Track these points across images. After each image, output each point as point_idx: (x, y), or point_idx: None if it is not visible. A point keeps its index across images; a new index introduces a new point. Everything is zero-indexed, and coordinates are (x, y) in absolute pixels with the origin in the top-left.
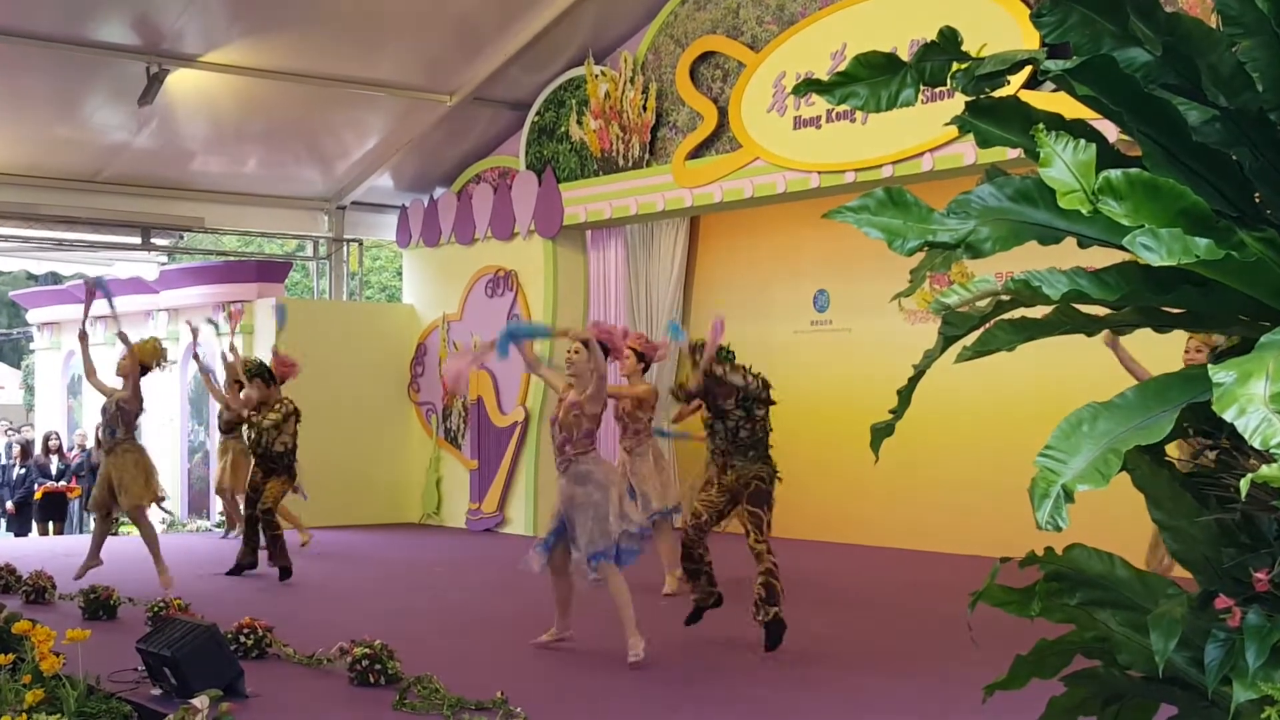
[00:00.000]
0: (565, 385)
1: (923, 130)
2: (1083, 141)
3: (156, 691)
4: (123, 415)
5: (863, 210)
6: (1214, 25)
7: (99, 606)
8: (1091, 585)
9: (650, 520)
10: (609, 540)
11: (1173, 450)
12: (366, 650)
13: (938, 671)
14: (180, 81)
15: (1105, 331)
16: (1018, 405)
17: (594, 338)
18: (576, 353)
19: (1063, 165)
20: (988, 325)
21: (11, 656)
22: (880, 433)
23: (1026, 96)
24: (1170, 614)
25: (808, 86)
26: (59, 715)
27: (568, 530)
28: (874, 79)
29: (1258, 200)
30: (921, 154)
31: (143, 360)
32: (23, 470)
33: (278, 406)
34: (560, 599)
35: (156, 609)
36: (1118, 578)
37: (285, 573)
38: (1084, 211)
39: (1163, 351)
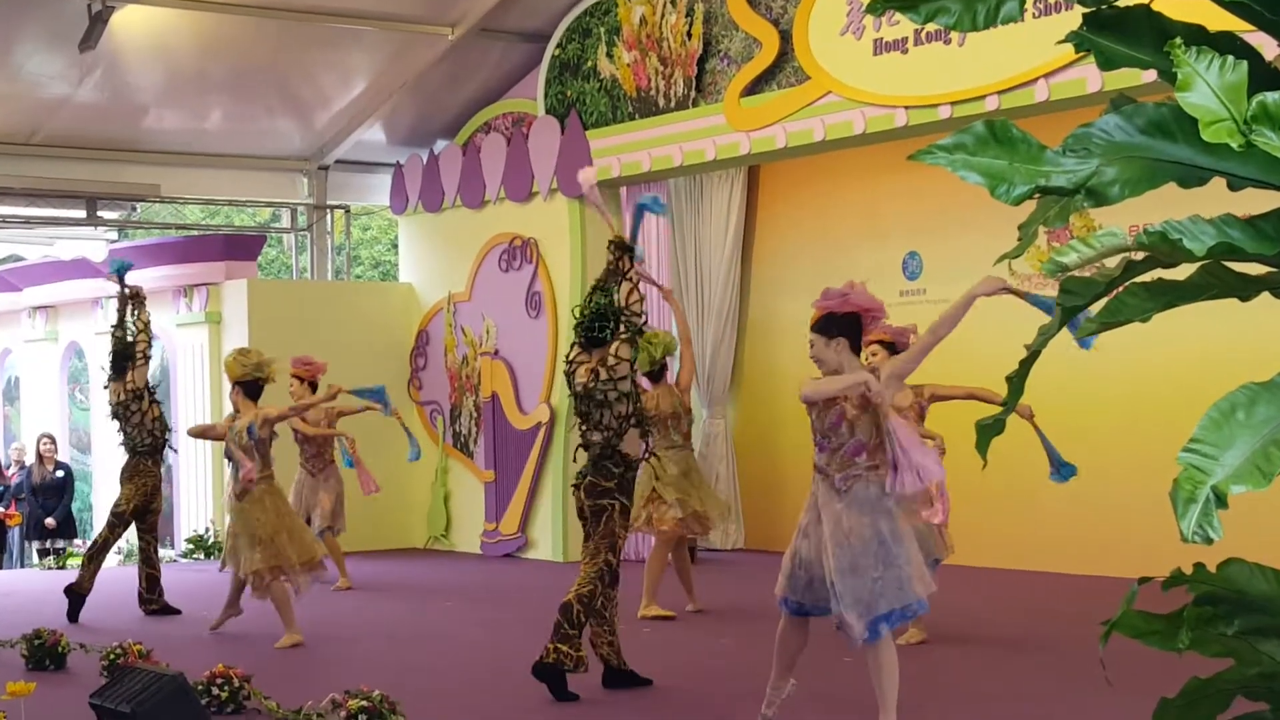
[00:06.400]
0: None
1: (1035, 52)
2: (1231, 59)
3: None
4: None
5: (958, 149)
6: None
7: (45, 654)
8: (1254, 610)
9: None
10: (901, 595)
11: None
12: (364, 703)
13: (1063, 718)
14: (128, 20)
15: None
16: (1155, 390)
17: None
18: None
19: (1207, 89)
20: (1116, 291)
21: None
22: (988, 430)
23: (1163, 5)
24: None
25: (886, 3)
26: None
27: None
28: None
29: None
30: (1034, 81)
31: (233, 379)
32: None
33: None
34: (787, 653)
35: (113, 656)
36: None
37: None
38: (1234, 145)
39: None
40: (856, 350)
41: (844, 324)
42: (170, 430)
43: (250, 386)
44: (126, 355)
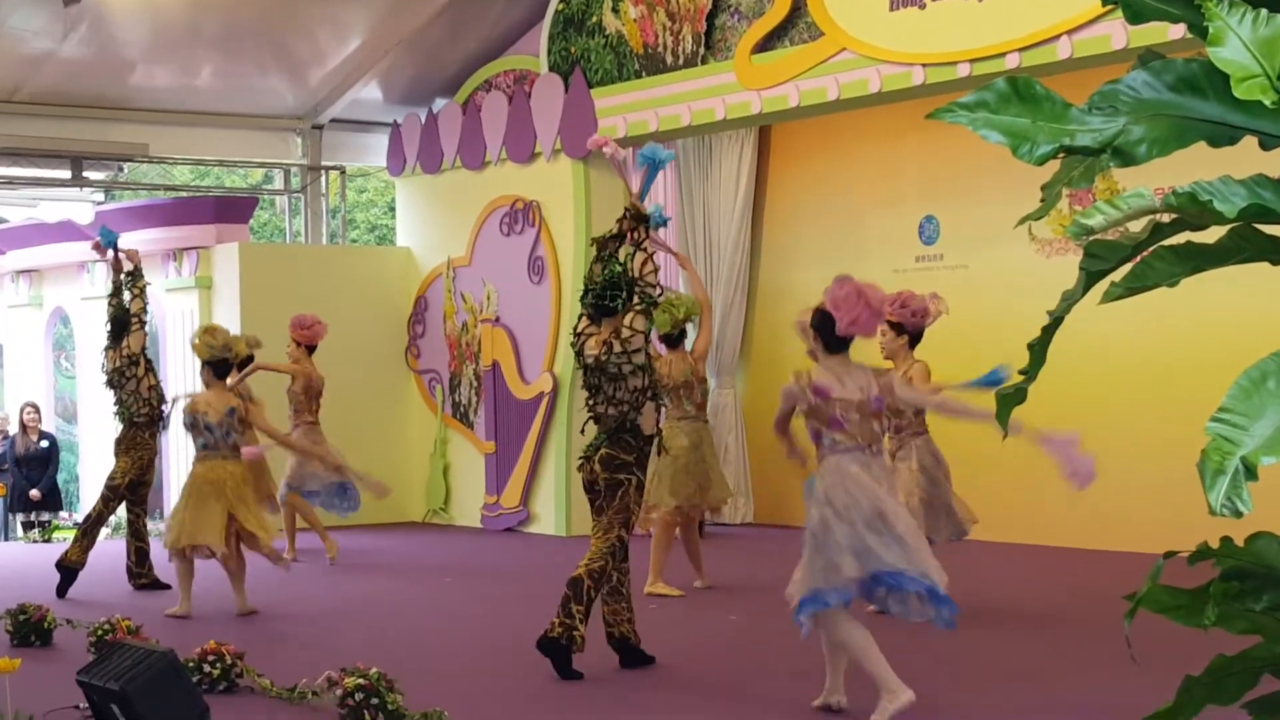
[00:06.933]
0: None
1: (1059, 6)
2: (1264, 12)
3: None
4: (193, 425)
5: (980, 107)
6: None
7: (30, 630)
8: None
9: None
10: (814, 581)
11: None
12: (360, 681)
13: (1087, 695)
14: None
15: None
16: (1182, 358)
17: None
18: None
19: (1239, 43)
20: (1143, 254)
21: None
22: (1009, 400)
23: None
24: None
25: None
26: None
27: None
28: None
29: None
30: (1057, 37)
31: (202, 360)
32: None
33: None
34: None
35: (100, 632)
36: None
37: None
38: (1267, 102)
39: None
40: (832, 349)
41: (816, 319)
42: (165, 400)
43: (219, 366)
44: (124, 321)
